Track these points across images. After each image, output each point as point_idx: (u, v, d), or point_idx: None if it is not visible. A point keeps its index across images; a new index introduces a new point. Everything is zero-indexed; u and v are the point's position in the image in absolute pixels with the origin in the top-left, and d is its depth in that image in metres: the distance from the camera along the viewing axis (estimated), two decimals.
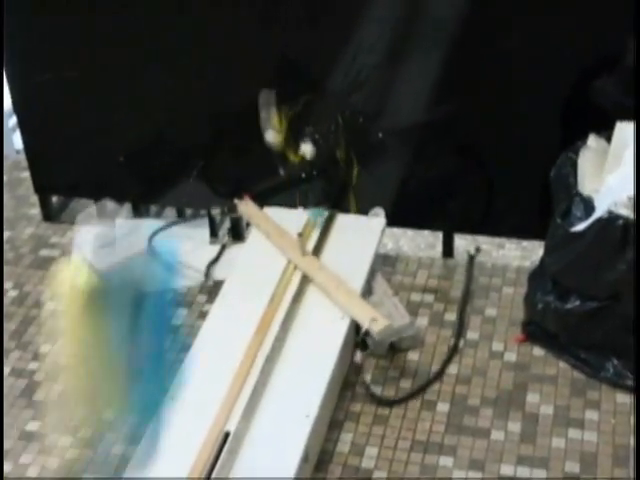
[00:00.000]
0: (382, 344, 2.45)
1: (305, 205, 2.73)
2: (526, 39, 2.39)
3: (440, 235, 2.84)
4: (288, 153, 2.69)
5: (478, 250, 2.80)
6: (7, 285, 2.83)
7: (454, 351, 2.49)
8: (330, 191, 2.75)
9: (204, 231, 2.94)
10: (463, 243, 2.86)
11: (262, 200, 2.76)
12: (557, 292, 2.37)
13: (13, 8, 2.68)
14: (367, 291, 2.52)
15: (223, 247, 2.87)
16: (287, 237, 2.54)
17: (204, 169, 2.83)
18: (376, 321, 2.28)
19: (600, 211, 2.19)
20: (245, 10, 2.53)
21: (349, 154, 2.68)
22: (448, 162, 2.64)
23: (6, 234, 3.04)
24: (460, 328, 2.55)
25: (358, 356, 2.39)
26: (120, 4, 2.61)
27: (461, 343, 2.52)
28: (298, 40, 2.54)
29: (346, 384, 2.41)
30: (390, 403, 2.35)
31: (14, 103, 2.93)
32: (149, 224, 2.99)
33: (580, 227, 2.22)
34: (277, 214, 2.70)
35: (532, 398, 2.36)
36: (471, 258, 2.77)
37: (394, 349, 2.47)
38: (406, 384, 2.41)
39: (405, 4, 2.44)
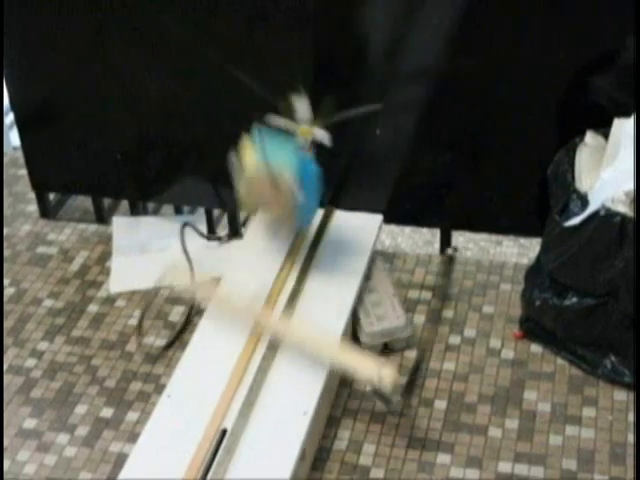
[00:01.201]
0: (375, 345, 2.46)
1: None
2: (524, 37, 2.39)
3: (438, 232, 2.84)
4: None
5: (456, 250, 2.80)
6: (4, 282, 2.83)
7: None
8: (327, 187, 2.74)
9: (202, 228, 2.95)
10: (461, 240, 2.86)
11: None
12: (554, 289, 2.37)
13: (13, 7, 2.67)
14: (366, 288, 2.52)
15: (219, 244, 2.87)
16: (249, 310, 2.35)
17: (201, 166, 2.83)
18: (383, 374, 2.13)
19: (594, 206, 2.19)
20: (243, 9, 2.53)
21: (347, 150, 2.68)
22: (446, 159, 2.63)
23: (3, 231, 3.04)
24: (437, 325, 2.55)
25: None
26: (119, 4, 2.60)
27: (458, 340, 2.52)
28: (297, 38, 2.53)
29: (344, 381, 2.41)
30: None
31: (11, 100, 2.92)
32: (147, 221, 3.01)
33: (574, 221, 2.22)
34: None
35: (529, 395, 2.36)
36: (450, 259, 2.77)
37: (388, 349, 2.47)
38: (403, 381, 2.41)
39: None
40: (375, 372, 2.14)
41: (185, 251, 2.74)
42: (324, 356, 2.20)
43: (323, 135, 2.40)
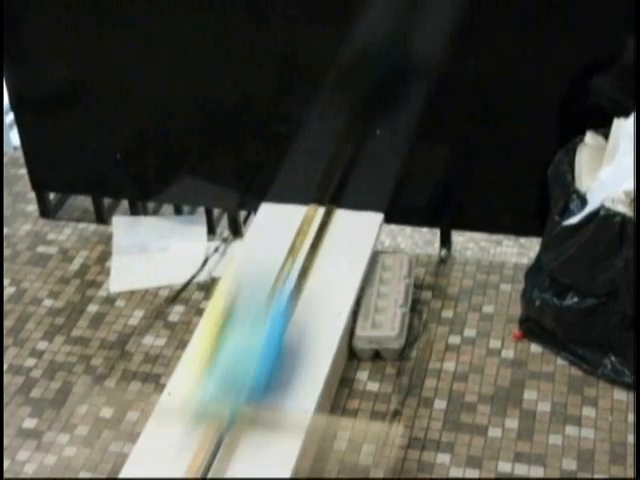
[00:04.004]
0: (365, 350, 2.45)
1: (303, 201, 2.73)
2: (524, 37, 2.39)
3: (438, 232, 2.84)
4: None
5: (448, 251, 2.80)
6: (4, 282, 2.82)
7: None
8: (328, 186, 2.75)
9: (201, 228, 2.95)
10: (461, 240, 2.86)
11: (259, 195, 2.76)
12: (554, 289, 2.37)
13: (13, 7, 2.68)
14: (379, 293, 2.52)
15: (221, 243, 2.87)
16: None
17: (201, 166, 2.83)
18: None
19: (592, 205, 2.19)
20: (242, 8, 2.53)
21: (347, 150, 2.68)
22: (446, 159, 2.63)
23: (3, 231, 3.04)
24: (437, 325, 2.55)
25: None
26: (119, 3, 2.61)
27: (458, 340, 2.52)
28: (295, 37, 2.53)
29: (343, 381, 2.41)
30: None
31: (11, 100, 2.92)
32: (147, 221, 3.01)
33: (573, 220, 2.22)
34: (274, 210, 2.70)
35: (529, 395, 2.36)
36: (442, 260, 2.77)
37: (378, 356, 2.47)
38: (403, 381, 2.40)
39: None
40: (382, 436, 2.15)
41: None
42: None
43: None
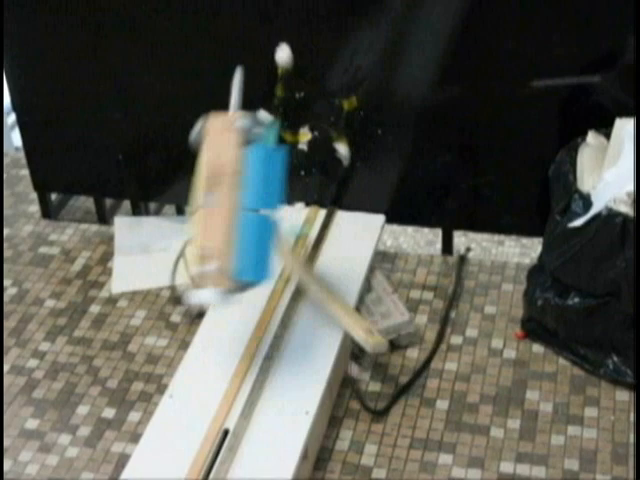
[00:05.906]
0: None
1: (304, 202, 2.73)
2: (525, 36, 2.39)
3: (439, 232, 2.84)
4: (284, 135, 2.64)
5: (468, 250, 2.80)
6: (6, 282, 2.83)
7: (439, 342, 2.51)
8: (329, 187, 2.75)
9: None
10: (463, 240, 2.86)
11: None
12: (556, 289, 2.37)
13: (13, 7, 2.68)
14: (366, 288, 2.52)
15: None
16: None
17: None
18: (371, 335, 2.24)
19: (597, 207, 2.19)
20: (243, 8, 2.53)
21: (348, 150, 2.68)
22: (447, 159, 2.63)
23: (5, 231, 3.04)
24: (444, 325, 2.56)
25: (354, 369, 2.38)
26: (119, 4, 2.61)
27: (460, 340, 2.52)
28: (297, 37, 2.53)
29: (345, 381, 2.41)
30: (380, 413, 2.33)
31: (13, 100, 2.92)
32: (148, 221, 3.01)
33: (578, 222, 2.22)
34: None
35: (531, 395, 2.36)
36: (462, 258, 2.77)
37: (393, 346, 2.47)
38: (405, 381, 2.41)
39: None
40: (363, 329, 2.22)
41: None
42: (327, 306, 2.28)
43: (343, 150, 2.34)
